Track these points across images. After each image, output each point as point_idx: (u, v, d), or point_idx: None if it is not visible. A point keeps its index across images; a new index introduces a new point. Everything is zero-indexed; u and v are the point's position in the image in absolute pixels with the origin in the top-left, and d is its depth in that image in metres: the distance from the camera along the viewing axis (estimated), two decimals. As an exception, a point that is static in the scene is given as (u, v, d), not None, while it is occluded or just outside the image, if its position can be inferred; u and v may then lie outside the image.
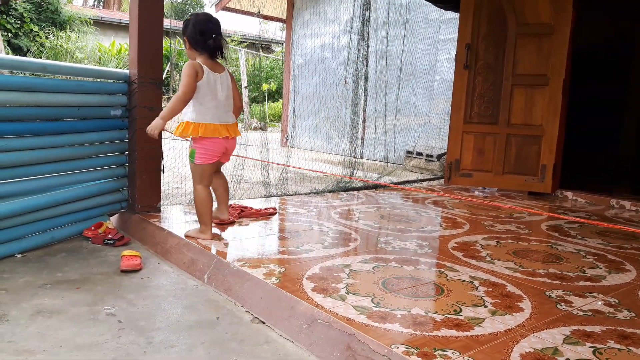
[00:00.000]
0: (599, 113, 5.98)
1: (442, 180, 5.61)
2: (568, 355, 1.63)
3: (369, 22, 5.16)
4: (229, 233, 2.93)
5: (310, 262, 2.43)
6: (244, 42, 15.46)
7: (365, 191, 4.71)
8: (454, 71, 4.87)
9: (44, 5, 12.75)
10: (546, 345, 1.69)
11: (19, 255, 2.59)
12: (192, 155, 2.72)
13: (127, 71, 3.14)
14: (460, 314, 1.90)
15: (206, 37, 2.63)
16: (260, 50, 14.49)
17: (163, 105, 3.15)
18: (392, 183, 5.17)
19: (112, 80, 3.12)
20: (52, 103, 2.73)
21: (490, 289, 2.19)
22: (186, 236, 2.77)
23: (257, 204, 3.72)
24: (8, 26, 11.94)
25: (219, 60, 2.75)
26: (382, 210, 3.86)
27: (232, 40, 15.13)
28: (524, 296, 2.13)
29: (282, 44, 18.27)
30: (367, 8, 5.11)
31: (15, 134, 2.59)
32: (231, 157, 2.97)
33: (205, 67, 2.63)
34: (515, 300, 2.07)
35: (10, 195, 2.56)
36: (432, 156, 6.48)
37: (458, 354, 1.60)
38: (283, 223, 3.29)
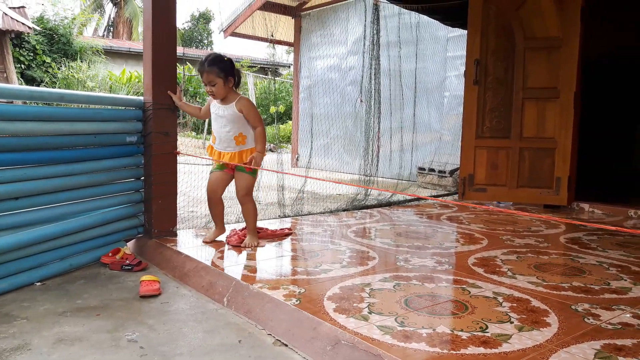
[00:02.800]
0: (611, 124, 5.94)
1: (456, 196, 5.57)
2: (601, 370, 1.59)
3: (378, 41, 5.20)
4: (247, 255, 2.92)
5: (329, 282, 2.41)
6: (253, 66, 15.65)
7: (379, 209, 4.69)
8: (464, 87, 4.87)
9: (56, 37, 13.03)
10: (577, 360, 1.65)
11: (38, 284, 2.60)
12: (254, 171, 3.05)
13: (142, 98, 3.18)
14: (487, 330, 1.87)
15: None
16: (269, 74, 14.64)
17: (177, 130, 3.26)
18: (406, 200, 5.15)
19: (128, 107, 3.16)
20: (70, 131, 2.76)
21: (515, 305, 2.15)
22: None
23: (273, 224, 3.71)
24: (21, 58, 12.19)
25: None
26: (398, 227, 3.83)
27: (241, 65, 15.33)
28: (550, 311, 2.09)
29: (289, 66, 18.46)
30: (377, 28, 5.16)
31: (35, 163, 2.61)
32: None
33: None
34: (541, 315, 2.04)
35: (30, 223, 2.57)
36: (444, 172, 6.45)
37: (487, 371, 1.56)
38: (300, 243, 3.28)
